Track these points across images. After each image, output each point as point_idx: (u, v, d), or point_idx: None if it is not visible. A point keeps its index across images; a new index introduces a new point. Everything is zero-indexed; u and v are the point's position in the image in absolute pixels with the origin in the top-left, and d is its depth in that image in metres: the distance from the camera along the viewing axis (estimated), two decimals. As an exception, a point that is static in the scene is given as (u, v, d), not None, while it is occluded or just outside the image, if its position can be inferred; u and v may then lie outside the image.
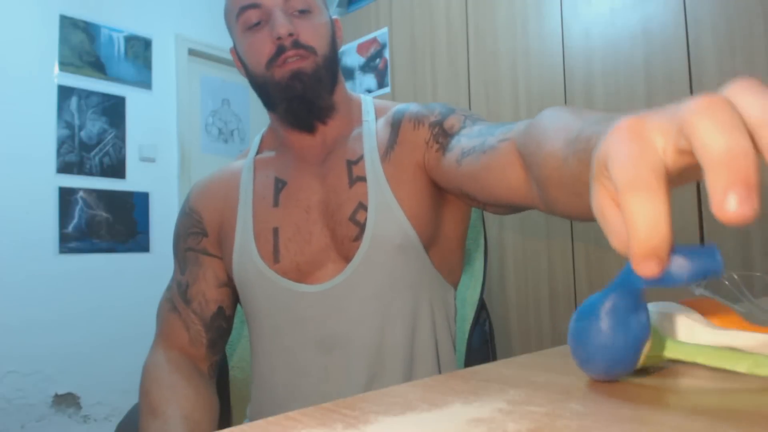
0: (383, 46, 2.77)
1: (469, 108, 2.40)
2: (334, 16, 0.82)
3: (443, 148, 0.71)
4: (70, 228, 2.45)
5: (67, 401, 2.36)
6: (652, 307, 0.45)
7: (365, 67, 2.86)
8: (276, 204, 0.77)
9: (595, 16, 2.02)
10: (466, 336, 0.93)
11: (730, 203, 0.20)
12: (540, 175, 0.49)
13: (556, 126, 0.46)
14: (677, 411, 0.29)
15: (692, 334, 0.42)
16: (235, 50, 0.81)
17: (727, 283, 0.53)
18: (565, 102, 2.10)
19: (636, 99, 1.91)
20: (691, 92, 1.79)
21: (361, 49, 2.87)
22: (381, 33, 2.78)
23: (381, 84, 2.78)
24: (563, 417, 0.28)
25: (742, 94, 0.22)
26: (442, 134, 0.73)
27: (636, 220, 0.23)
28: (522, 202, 0.59)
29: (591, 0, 2.03)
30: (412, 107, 0.79)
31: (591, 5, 2.03)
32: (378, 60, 2.80)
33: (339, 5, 3.08)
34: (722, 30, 1.73)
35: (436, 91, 2.53)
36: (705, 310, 0.46)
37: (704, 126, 0.21)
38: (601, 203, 0.26)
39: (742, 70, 1.69)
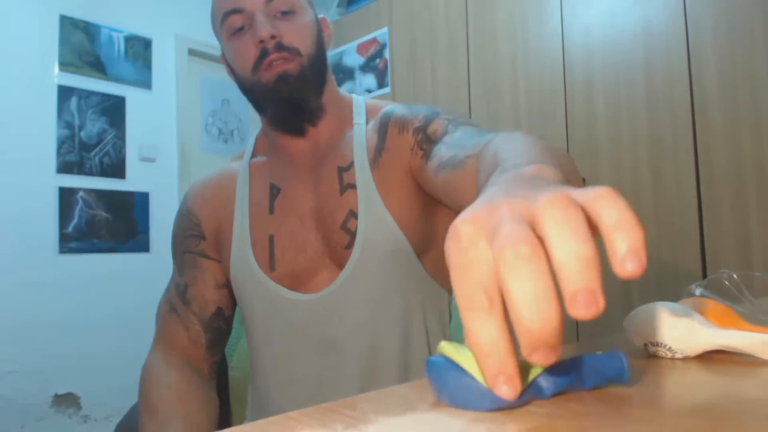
0: (383, 46, 2.77)
1: (469, 108, 2.40)
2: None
3: (427, 156, 0.71)
4: (70, 228, 2.45)
5: (67, 401, 2.36)
6: (652, 306, 0.45)
7: (365, 67, 2.86)
8: (271, 211, 0.77)
9: (595, 16, 2.02)
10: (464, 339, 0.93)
11: (535, 358, 0.23)
12: None
13: (490, 161, 0.44)
14: (677, 411, 0.29)
15: (692, 334, 0.42)
16: (224, 56, 0.81)
17: (727, 283, 0.53)
18: (566, 102, 2.10)
19: (636, 99, 1.91)
20: (691, 92, 1.79)
21: (361, 49, 2.87)
22: (381, 33, 2.78)
23: (381, 84, 2.78)
24: (563, 417, 0.28)
25: (552, 224, 0.23)
26: (426, 140, 0.72)
27: (474, 341, 0.24)
28: None
29: (591, 0, 2.03)
30: (398, 110, 0.78)
31: (591, 5, 2.03)
32: (378, 60, 2.80)
33: (339, 5, 3.08)
34: (722, 30, 1.73)
35: (436, 91, 2.53)
36: (705, 310, 0.46)
37: (515, 295, 0.22)
38: None
39: (742, 69, 1.69)
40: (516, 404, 0.30)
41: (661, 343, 0.43)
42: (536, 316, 0.22)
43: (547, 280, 0.22)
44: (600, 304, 0.22)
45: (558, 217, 0.23)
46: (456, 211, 0.65)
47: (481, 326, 0.24)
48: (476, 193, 0.53)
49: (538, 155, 0.38)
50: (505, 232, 0.23)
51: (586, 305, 0.22)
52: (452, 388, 0.30)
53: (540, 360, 0.23)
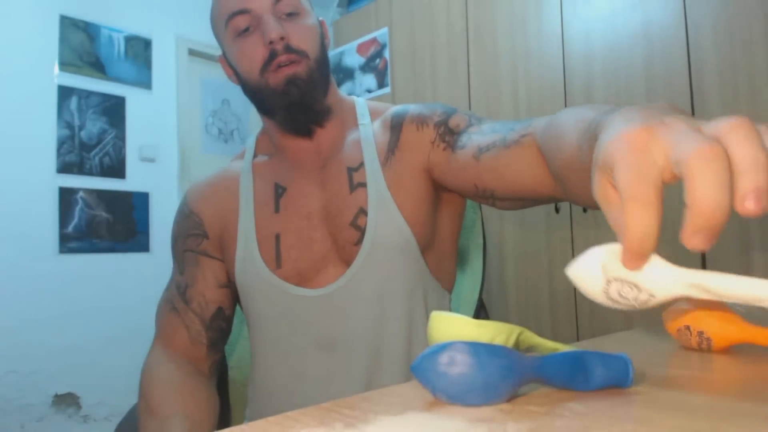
0: (383, 46, 2.78)
1: (469, 108, 2.40)
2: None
3: (451, 147, 0.72)
4: (70, 228, 2.45)
5: (67, 401, 2.36)
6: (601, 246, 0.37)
7: (365, 67, 2.86)
8: (277, 210, 0.78)
9: (595, 16, 2.02)
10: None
11: (694, 240, 0.27)
12: (558, 165, 0.53)
13: (575, 118, 0.49)
14: (677, 411, 0.29)
15: (662, 270, 0.32)
16: (224, 58, 0.80)
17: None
18: (566, 103, 2.10)
19: (636, 100, 1.91)
20: (691, 93, 1.79)
21: (361, 49, 2.87)
22: (381, 33, 2.79)
23: (381, 84, 2.78)
24: (563, 417, 0.28)
25: (735, 137, 0.27)
26: (448, 133, 0.73)
27: (632, 227, 0.28)
28: (545, 192, 0.62)
29: (591, 1, 2.03)
30: (413, 108, 0.79)
31: (591, 6, 2.03)
32: (378, 60, 2.80)
33: (339, 5, 3.07)
34: (722, 31, 1.73)
35: (436, 91, 2.53)
36: (705, 309, 0.46)
37: (700, 180, 0.26)
38: (604, 192, 0.31)
39: (742, 71, 1.69)
40: (503, 399, 0.31)
41: (627, 281, 0.33)
42: (714, 202, 0.25)
43: (728, 177, 0.26)
44: (766, 204, 0.26)
45: (742, 133, 0.27)
46: (499, 191, 0.68)
47: (640, 214, 0.27)
48: (543, 163, 0.59)
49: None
50: (696, 137, 0.27)
51: (757, 201, 0.25)
52: (444, 385, 0.31)
53: (700, 244, 0.26)
